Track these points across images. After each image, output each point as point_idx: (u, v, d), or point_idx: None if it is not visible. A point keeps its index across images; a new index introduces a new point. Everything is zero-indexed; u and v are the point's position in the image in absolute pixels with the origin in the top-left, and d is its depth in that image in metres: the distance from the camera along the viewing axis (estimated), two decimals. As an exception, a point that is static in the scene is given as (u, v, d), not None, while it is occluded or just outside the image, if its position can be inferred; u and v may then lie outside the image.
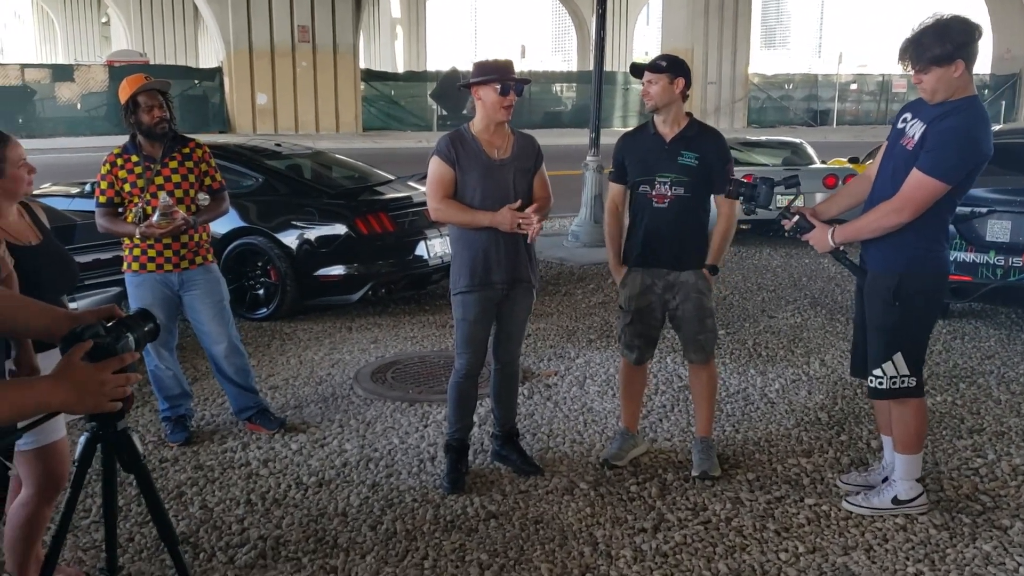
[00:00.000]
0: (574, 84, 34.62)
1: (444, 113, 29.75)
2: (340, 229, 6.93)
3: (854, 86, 37.96)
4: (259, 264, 7.04)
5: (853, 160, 11.37)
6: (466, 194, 3.86)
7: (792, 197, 3.85)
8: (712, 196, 4.09)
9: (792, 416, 4.90)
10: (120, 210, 4.41)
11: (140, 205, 4.33)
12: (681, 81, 3.97)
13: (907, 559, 3.41)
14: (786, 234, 3.79)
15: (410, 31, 53.15)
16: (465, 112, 26.68)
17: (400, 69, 44.79)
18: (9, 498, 2.80)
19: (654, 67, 3.99)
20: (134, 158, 4.40)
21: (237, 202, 5.98)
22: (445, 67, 35.14)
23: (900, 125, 3.57)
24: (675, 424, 4.78)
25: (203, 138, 4.94)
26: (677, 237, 4.05)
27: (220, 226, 6.35)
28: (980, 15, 31.21)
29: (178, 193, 4.40)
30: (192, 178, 4.48)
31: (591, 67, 11.62)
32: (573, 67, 50.25)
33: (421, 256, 7.14)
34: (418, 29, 53.34)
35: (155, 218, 4.23)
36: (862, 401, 5.04)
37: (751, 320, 6.98)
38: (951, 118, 3.35)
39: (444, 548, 3.49)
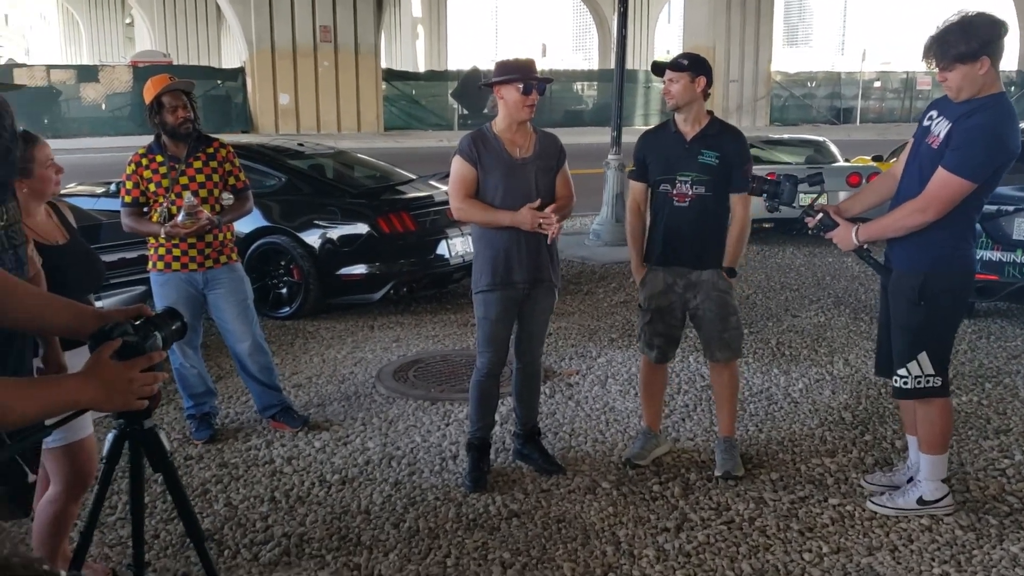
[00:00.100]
0: (595, 82, 34.56)
1: (465, 112, 29.77)
2: (362, 228, 6.96)
3: (878, 83, 37.62)
4: (282, 263, 7.08)
5: (877, 158, 11.28)
6: (488, 193, 3.87)
7: (816, 195, 3.83)
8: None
9: (816, 416, 4.87)
10: (145, 210, 4.45)
11: (165, 205, 4.36)
12: (702, 80, 3.96)
13: (933, 560, 3.38)
14: (810, 232, 3.77)
15: (431, 30, 53.23)
16: (486, 111, 26.59)
17: (421, 68, 44.84)
18: (37, 495, 2.84)
19: (675, 65, 3.98)
20: (159, 158, 4.43)
21: (260, 202, 6.01)
22: (466, 66, 35.18)
23: (926, 123, 3.54)
24: (698, 424, 4.76)
25: (226, 138, 4.97)
26: (698, 236, 4.03)
27: (243, 225, 6.39)
28: (1006, 11, 30.85)
29: (202, 193, 4.43)
30: (216, 178, 4.51)
31: (612, 65, 11.59)
32: (594, 65, 50.08)
33: (442, 255, 7.16)
34: (439, 28, 53.41)
35: (180, 218, 4.26)
36: (886, 401, 5.01)
37: (774, 319, 6.95)
38: (977, 116, 3.32)
39: (467, 546, 3.50)
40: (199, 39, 47.04)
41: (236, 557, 3.45)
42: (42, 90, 26.13)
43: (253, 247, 7.01)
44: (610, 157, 10.34)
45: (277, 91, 26.64)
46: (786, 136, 13.80)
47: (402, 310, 7.33)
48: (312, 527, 3.68)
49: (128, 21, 55.57)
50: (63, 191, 7.23)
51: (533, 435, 4.26)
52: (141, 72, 26.59)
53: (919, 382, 3.57)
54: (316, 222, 7.03)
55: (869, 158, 11.52)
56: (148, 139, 4.55)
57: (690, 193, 3.98)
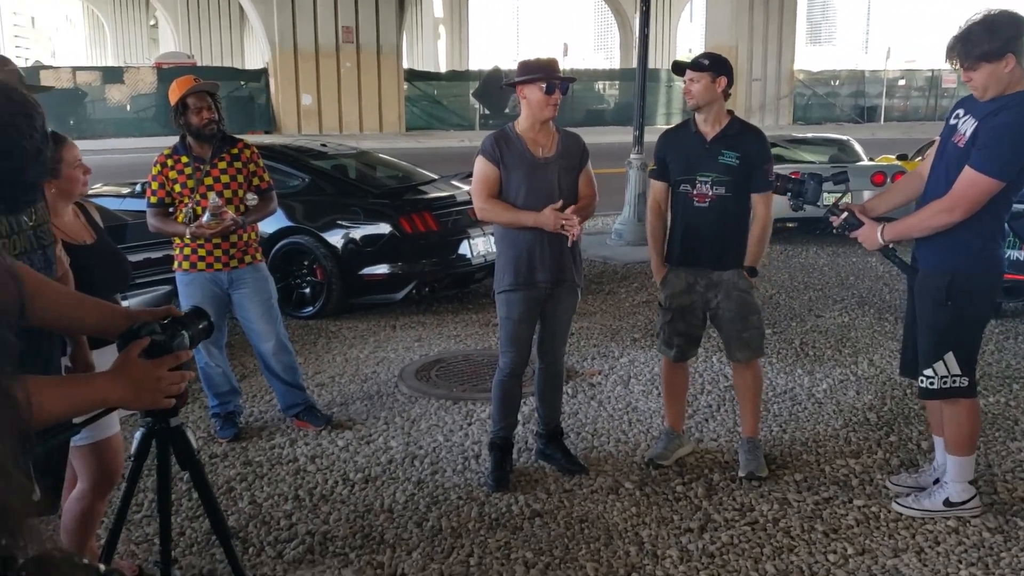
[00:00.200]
0: (617, 82, 34.50)
1: (487, 112, 29.80)
2: (384, 228, 6.98)
3: (902, 82, 37.32)
4: (305, 263, 7.12)
5: (902, 157, 11.18)
6: (510, 193, 3.87)
7: (840, 194, 3.80)
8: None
9: (840, 416, 4.84)
10: (171, 210, 4.49)
11: (190, 205, 4.40)
12: (723, 80, 3.94)
13: (959, 562, 3.35)
14: (834, 231, 3.75)
15: (453, 31, 53.35)
16: (508, 111, 26.71)
17: (443, 69, 44.97)
18: (64, 493, 2.87)
19: (696, 65, 3.96)
20: (184, 159, 4.47)
21: (284, 202, 6.04)
22: (487, 66, 35.21)
23: (952, 121, 3.51)
24: (721, 424, 4.75)
25: (249, 138, 5.00)
26: (719, 237, 4.01)
27: (267, 226, 6.42)
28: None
29: (227, 193, 4.47)
30: (241, 178, 4.54)
31: (634, 64, 11.55)
32: (616, 64, 50.04)
33: (464, 255, 7.17)
34: (460, 29, 53.52)
35: (205, 218, 4.29)
36: (912, 401, 4.96)
37: (798, 319, 6.91)
38: (1004, 114, 3.29)
39: (489, 546, 3.51)
40: (222, 40, 47.40)
41: (260, 554, 3.48)
42: (68, 91, 26.38)
43: (277, 247, 7.04)
44: (632, 156, 10.31)
45: (300, 92, 26.79)
46: (810, 135, 13.71)
47: (424, 310, 7.35)
48: (336, 525, 3.70)
49: (152, 23, 56.07)
50: (89, 191, 7.30)
51: (556, 435, 4.26)
52: (165, 73, 26.81)
53: (945, 382, 3.54)
54: (339, 222, 7.06)
55: (894, 157, 11.43)
56: (173, 140, 4.60)
57: (710, 194, 3.96)
